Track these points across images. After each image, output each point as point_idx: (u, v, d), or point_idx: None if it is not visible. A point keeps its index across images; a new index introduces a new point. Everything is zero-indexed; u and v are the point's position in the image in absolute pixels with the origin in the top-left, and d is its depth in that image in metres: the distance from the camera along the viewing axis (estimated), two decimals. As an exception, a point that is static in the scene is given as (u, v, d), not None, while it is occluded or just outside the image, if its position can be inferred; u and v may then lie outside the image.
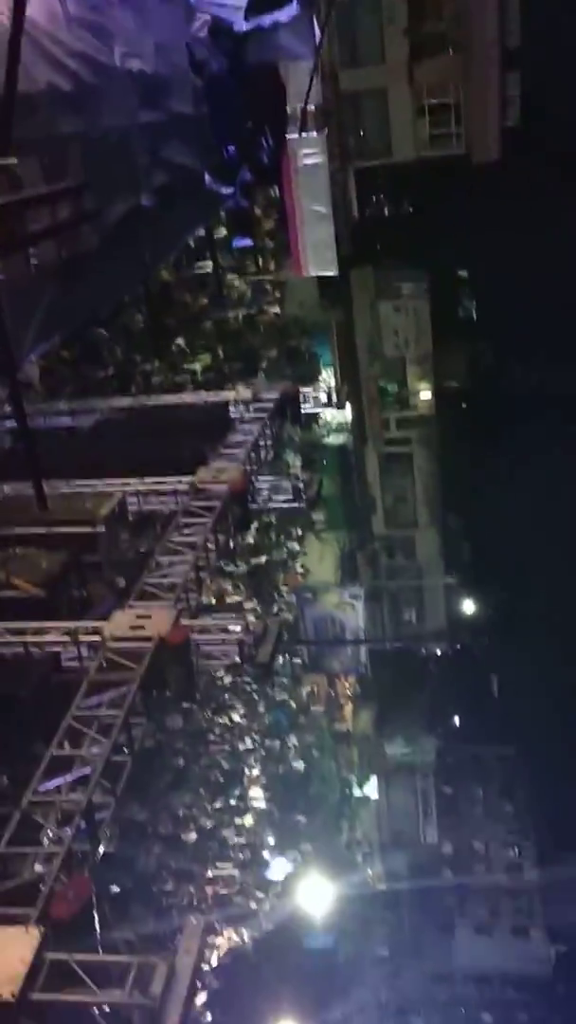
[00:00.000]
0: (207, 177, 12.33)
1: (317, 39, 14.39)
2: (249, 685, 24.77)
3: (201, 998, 19.66)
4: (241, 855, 23.49)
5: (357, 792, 36.03)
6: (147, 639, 10.96)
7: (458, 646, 39.15)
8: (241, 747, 24.60)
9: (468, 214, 30.66)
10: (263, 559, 27.30)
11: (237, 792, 23.90)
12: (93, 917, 8.33)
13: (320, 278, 28.30)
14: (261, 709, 25.99)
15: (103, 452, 16.34)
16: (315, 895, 23.22)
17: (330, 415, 30.96)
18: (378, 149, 29.91)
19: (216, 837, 22.65)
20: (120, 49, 9.11)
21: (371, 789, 37.54)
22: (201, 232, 21.62)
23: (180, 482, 14.60)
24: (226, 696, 24.26)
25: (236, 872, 23.06)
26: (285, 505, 18.66)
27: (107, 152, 8.88)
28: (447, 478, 35.67)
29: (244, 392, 17.65)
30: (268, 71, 13.68)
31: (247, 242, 26.59)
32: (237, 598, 25.05)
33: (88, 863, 8.95)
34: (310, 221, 25.82)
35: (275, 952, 23.61)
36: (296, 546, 29.48)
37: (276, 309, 29.34)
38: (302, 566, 30.36)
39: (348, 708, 35.24)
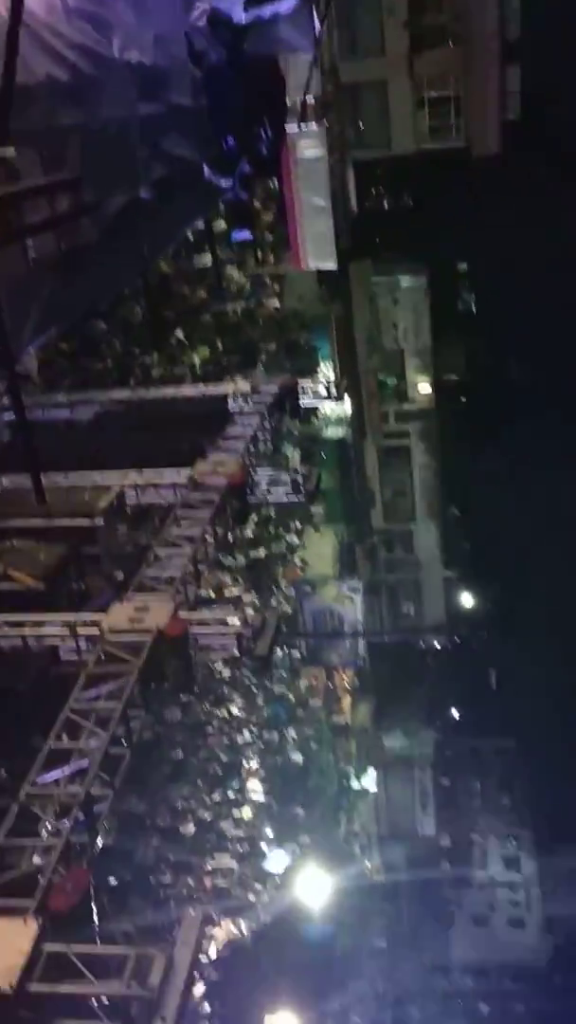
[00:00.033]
0: (206, 169, 12.29)
1: (317, 31, 14.37)
2: (247, 678, 24.81)
3: (199, 989, 19.74)
4: (239, 847, 23.55)
5: (355, 785, 36.09)
6: (145, 632, 10.97)
7: (457, 639, 39.19)
8: (239, 740, 24.65)
9: (468, 207, 30.61)
10: (262, 552, 27.31)
11: (235, 784, 23.95)
12: (91, 909, 8.35)
13: (319, 271, 28.25)
14: (259, 702, 26.03)
15: (101, 445, 16.31)
16: (313, 887, 23.27)
17: (329, 408, 30.94)
18: (378, 142, 29.89)
19: (214, 829, 22.72)
20: (119, 40, 9.08)
21: (369, 782, 37.60)
22: (200, 225, 21.59)
23: (179, 475, 14.60)
24: (224, 689, 24.30)
25: (234, 864, 23.12)
26: (284, 498, 18.64)
27: (106, 144, 8.86)
28: (446, 472, 35.68)
29: (243, 385, 17.65)
30: (267, 63, 13.64)
31: (246, 235, 26.55)
32: (235, 591, 25.06)
33: (86, 855, 8.98)
34: (309, 214, 25.75)
35: (273, 944, 23.68)
36: (295, 539, 29.48)
37: (275, 302, 29.29)
38: (301, 559, 30.35)
39: (346, 701, 35.27)
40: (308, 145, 24.83)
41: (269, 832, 24.98)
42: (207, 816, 22.34)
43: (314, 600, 31.10)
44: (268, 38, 12.99)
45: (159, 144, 10.17)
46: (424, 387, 34.39)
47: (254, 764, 25.19)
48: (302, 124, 23.85)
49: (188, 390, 19.19)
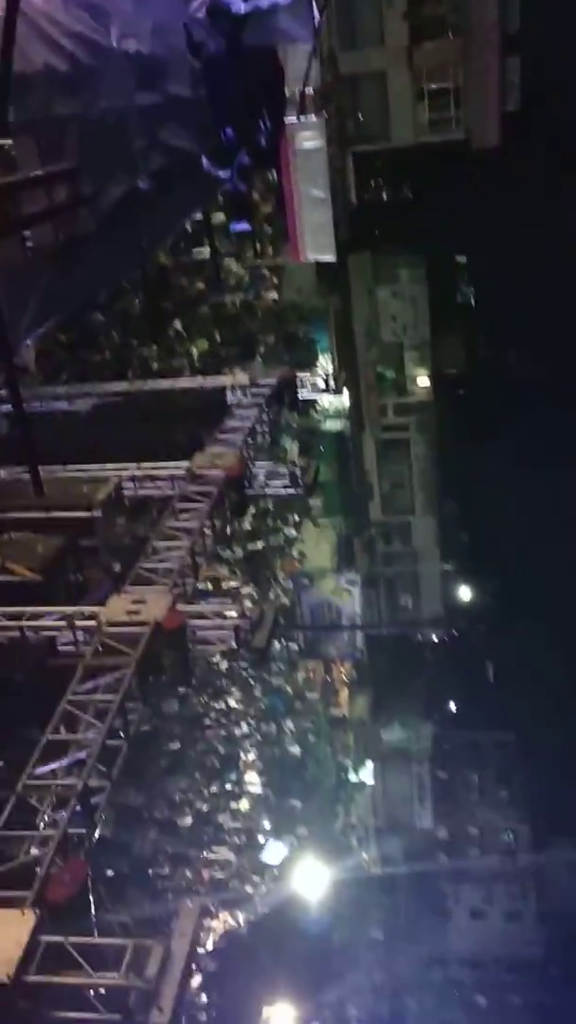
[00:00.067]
0: (204, 160, 12.26)
1: (316, 21, 14.30)
2: (245, 670, 24.84)
3: (197, 981, 19.82)
4: (237, 839, 23.61)
5: (353, 777, 36.18)
6: (143, 624, 10.96)
7: (455, 632, 39.23)
8: (237, 732, 24.69)
9: (467, 199, 30.51)
10: (260, 545, 27.33)
11: (233, 777, 24.01)
12: (89, 900, 8.36)
13: (318, 263, 28.19)
14: (257, 694, 26.07)
15: (100, 437, 16.29)
16: (311, 879, 23.34)
17: (327, 401, 30.91)
18: (377, 133, 29.76)
19: (212, 821, 22.77)
20: (117, 30, 9.04)
21: (367, 774, 37.69)
22: (199, 216, 21.56)
23: (177, 467, 14.58)
24: (222, 681, 24.33)
25: (232, 856, 23.19)
26: (282, 491, 18.62)
27: (104, 134, 8.83)
28: (444, 464, 35.66)
29: (241, 377, 17.61)
30: (266, 53, 13.59)
31: (245, 226, 26.48)
32: (234, 583, 25.09)
33: (84, 847, 8.98)
34: (308, 206, 25.68)
35: (271, 935, 23.76)
36: (293, 532, 29.50)
37: (274, 294, 29.25)
38: (299, 552, 30.38)
39: (344, 694, 35.33)
40: (307, 136, 24.76)
41: (267, 824, 25.05)
42: (205, 808, 22.39)
43: (312, 593, 31.12)
44: (267, 28, 12.93)
45: (157, 135, 10.14)
46: (423, 380, 34.34)
47: (252, 756, 25.25)
48: (301, 115, 23.78)
49: (186, 382, 19.18)
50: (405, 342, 33.84)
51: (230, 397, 17.18)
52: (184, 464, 14.52)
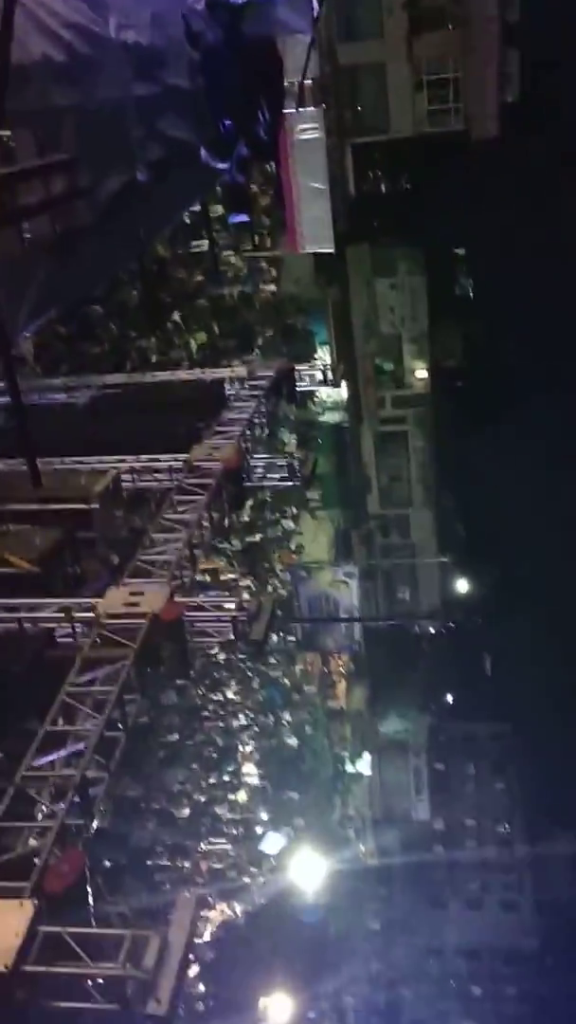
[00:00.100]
0: (203, 151, 12.20)
1: (315, 12, 14.22)
2: (243, 662, 24.87)
3: (194, 970, 19.89)
4: (235, 830, 23.68)
5: (350, 768, 36.27)
6: (141, 616, 10.97)
7: (452, 624, 39.28)
8: (235, 724, 24.73)
9: (466, 191, 30.47)
10: (258, 537, 27.33)
11: (231, 768, 24.06)
12: (87, 890, 8.39)
13: (316, 255, 28.13)
14: (255, 686, 26.11)
15: (98, 429, 16.25)
16: (308, 870, 23.41)
17: (325, 393, 30.89)
18: (376, 124, 29.69)
19: (210, 812, 22.82)
20: (115, 20, 8.99)
21: (364, 766, 37.78)
22: (197, 208, 21.48)
23: (175, 459, 14.57)
24: (220, 673, 24.36)
25: (229, 847, 23.25)
26: (280, 483, 18.62)
27: (101, 125, 8.78)
28: (442, 457, 35.69)
29: (239, 369, 17.59)
30: (265, 44, 13.51)
31: (243, 218, 26.38)
32: (232, 576, 25.10)
33: (82, 837, 9.01)
34: (307, 197, 25.62)
35: (268, 925, 23.85)
36: (291, 524, 29.52)
37: (272, 286, 29.19)
38: (297, 544, 30.40)
39: (341, 685, 35.40)
40: (306, 128, 24.69)
41: (264, 815, 25.11)
42: (203, 799, 22.45)
43: (310, 585, 31.14)
44: (266, 19, 12.87)
45: (155, 126, 10.09)
46: (421, 372, 34.34)
47: (249, 748, 25.30)
48: (300, 106, 23.70)
49: (184, 375, 19.13)
50: (403, 334, 33.82)
51: (228, 389, 17.16)
52: (182, 456, 14.50)
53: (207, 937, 21.61)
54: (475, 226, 32.99)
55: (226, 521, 17.75)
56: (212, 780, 23.20)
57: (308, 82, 22.90)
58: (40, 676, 11.07)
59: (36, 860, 8.31)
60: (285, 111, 21.96)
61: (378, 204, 32.23)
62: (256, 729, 25.82)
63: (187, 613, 11.55)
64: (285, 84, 18.94)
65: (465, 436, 36.49)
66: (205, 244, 26.30)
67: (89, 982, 7.70)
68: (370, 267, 32.84)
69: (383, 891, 43.20)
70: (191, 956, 8.79)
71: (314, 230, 26.21)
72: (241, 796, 24.35)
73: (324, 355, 30.46)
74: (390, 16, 28.30)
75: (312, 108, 24.40)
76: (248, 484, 16.64)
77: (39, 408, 16.88)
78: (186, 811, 21.63)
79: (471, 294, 38.64)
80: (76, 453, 14.50)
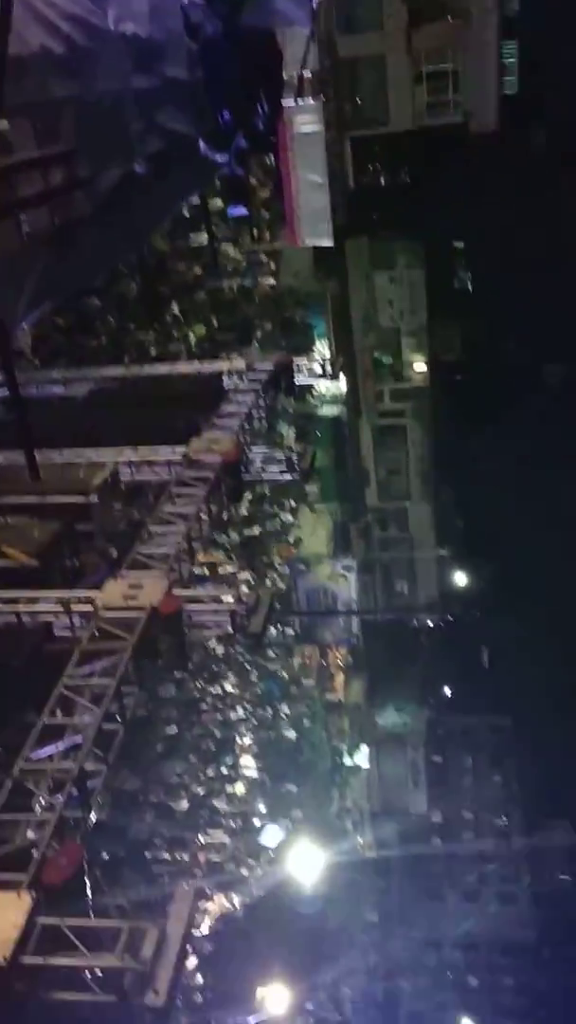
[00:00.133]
0: (201, 144, 12.18)
1: (314, 4, 14.20)
2: (241, 655, 24.91)
3: (192, 962, 19.97)
4: (232, 823, 23.73)
5: (348, 761, 36.34)
6: (139, 609, 10.99)
7: (450, 618, 39.32)
8: (233, 716, 24.78)
9: (465, 184, 30.39)
10: (256, 530, 27.35)
11: (229, 761, 24.10)
12: (84, 883, 8.43)
13: (315, 248, 28.10)
14: (253, 679, 26.15)
15: (96, 422, 16.26)
16: (306, 862, 23.46)
17: (324, 386, 30.88)
18: (375, 117, 29.59)
19: (208, 805, 22.87)
20: (114, 11, 8.97)
21: (362, 758, 37.85)
22: (196, 201, 21.44)
23: (173, 452, 14.58)
24: (218, 666, 24.39)
25: (227, 839, 23.31)
26: (278, 476, 18.64)
27: (100, 117, 8.77)
28: (441, 450, 35.67)
29: (238, 362, 17.60)
30: (264, 36, 13.48)
31: (242, 211, 26.38)
32: (230, 569, 25.11)
33: (80, 830, 9.04)
34: (306, 190, 25.57)
35: (266, 918, 23.91)
36: (289, 517, 29.51)
37: (271, 279, 29.15)
38: (295, 537, 30.41)
39: (340, 678, 35.44)
40: (305, 120, 24.63)
41: (262, 808, 25.16)
42: (201, 792, 22.49)
43: (308, 578, 31.18)
44: (265, 11, 12.85)
45: (154, 118, 10.07)
46: (420, 365, 34.29)
47: (248, 741, 25.34)
48: (299, 99, 23.65)
49: (183, 367, 19.13)
50: (402, 327, 33.76)
51: (227, 382, 17.17)
52: (181, 449, 14.53)
53: (205, 929, 21.68)
54: (474, 219, 32.90)
55: (224, 514, 17.79)
56: (210, 773, 23.24)
57: (307, 74, 22.86)
58: (38, 668, 11.11)
59: (34, 852, 8.35)
60: (284, 104, 21.94)
61: (377, 197, 32.13)
62: (254, 722, 25.86)
63: (185, 606, 11.59)
64: (284, 77, 18.90)
65: (464, 430, 36.46)
66: (204, 237, 26.25)
67: (87, 974, 7.74)
68: (369, 260, 32.77)
69: (381, 883, 43.30)
70: (189, 948, 8.82)
71: (313, 223, 26.17)
72: (239, 789, 24.40)
73: (323, 348, 30.46)
74: (389, 8, 28.20)
75: (311, 101, 24.34)
76: (247, 477, 16.67)
77: (37, 401, 16.91)
78: (184, 803, 21.68)
79: (470, 288, 38.57)
80: (74, 446, 14.53)
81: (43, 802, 8.97)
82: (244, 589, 17.71)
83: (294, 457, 18.38)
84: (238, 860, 23.50)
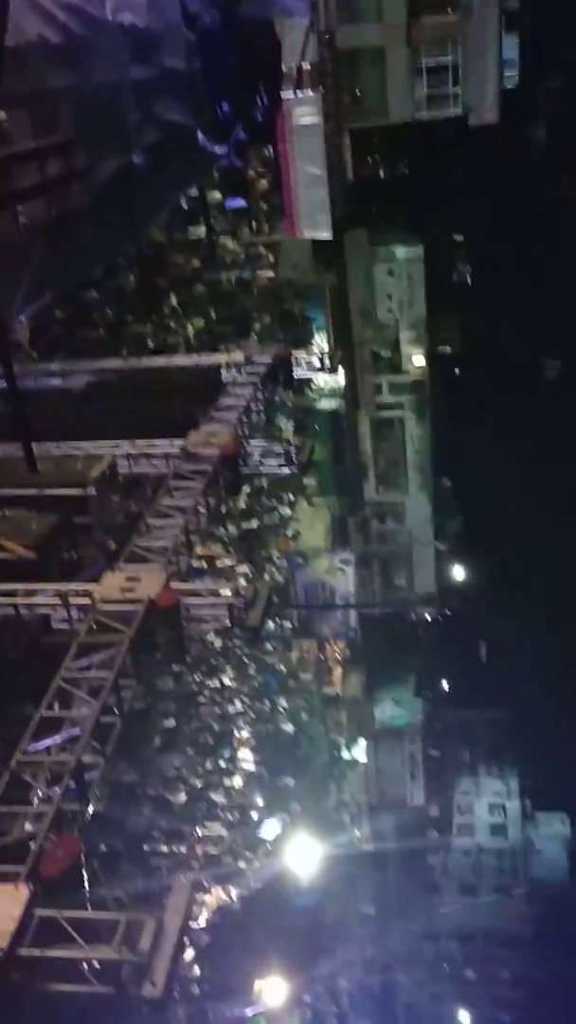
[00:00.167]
0: (200, 135, 12.15)
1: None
2: (239, 648, 24.90)
3: (189, 954, 20.00)
4: (230, 815, 23.75)
5: (346, 755, 36.39)
6: (137, 602, 10.98)
7: (447, 611, 39.34)
8: (231, 710, 24.78)
9: (464, 177, 30.35)
10: (254, 523, 27.32)
11: (227, 754, 24.11)
12: (82, 875, 8.43)
13: (314, 241, 28.02)
14: (251, 672, 26.15)
15: (94, 414, 16.24)
16: (303, 855, 23.51)
17: (322, 379, 30.84)
18: (375, 109, 29.43)
19: (205, 798, 22.89)
20: (111, 2, 8.94)
21: (359, 752, 37.92)
22: (195, 193, 21.40)
23: (171, 445, 14.57)
24: (216, 659, 24.39)
25: (225, 832, 23.33)
26: (276, 470, 18.62)
27: (98, 107, 8.74)
28: (439, 444, 35.62)
29: (236, 355, 17.59)
30: (263, 27, 13.45)
31: (241, 203, 26.32)
32: (228, 562, 25.10)
33: (77, 822, 9.04)
34: (304, 182, 25.51)
35: (263, 910, 23.96)
36: (287, 511, 29.48)
37: (269, 272, 29.09)
38: (293, 531, 30.39)
39: (337, 672, 35.47)
40: (304, 112, 24.57)
41: (259, 801, 25.18)
42: (198, 784, 22.50)
43: (306, 571, 31.19)
44: (264, 1, 12.82)
45: (152, 108, 10.04)
46: (418, 359, 34.19)
47: (245, 734, 25.35)
48: (298, 91, 23.58)
49: (181, 360, 19.12)
50: (401, 320, 33.68)
51: (225, 375, 17.15)
52: (179, 442, 14.51)
53: (202, 921, 21.71)
54: (474, 212, 32.86)
55: (222, 507, 17.77)
56: (208, 766, 23.25)
57: (306, 66, 22.80)
58: (36, 661, 11.10)
59: (32, 845, 8.35)
60: (283, 95, 21.91)
61: (376, 190, 32.06)
62: (252, 715, 25.87)
63: (183, 599, 11.58)
64: (283, 68, 18.87)
65: (462, 423, 36.44)
66: (203, 230, 26.20)
67: (85, 965, 7.75)
68: (368, 253, 32.67)
69: (378, 876, 43.40)
70: (186, 940, 8.84)
71: (312, 216, 26.11)
72: (237, 782, 24.42)
73: (321, 341, 30.41)
74: (389, 0, 28.06)
75: (310, 92, 24.26)
76: (245, 470, 16.65)
77: (35, 393, 16.85)
78: (182, 796, 21.69)
79: (469, 281, 38.52)
80: (72, 438, 14.50)
81: (41, 794, 8.97)
82: (242, 582, 17.72)
83: (292, 450, 18.36)
84: (235, 853, 23.53)
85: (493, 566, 40.49)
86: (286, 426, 25.75)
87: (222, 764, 23.88)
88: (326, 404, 31.56)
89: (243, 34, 11.82)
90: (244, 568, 25.63)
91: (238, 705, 25.20)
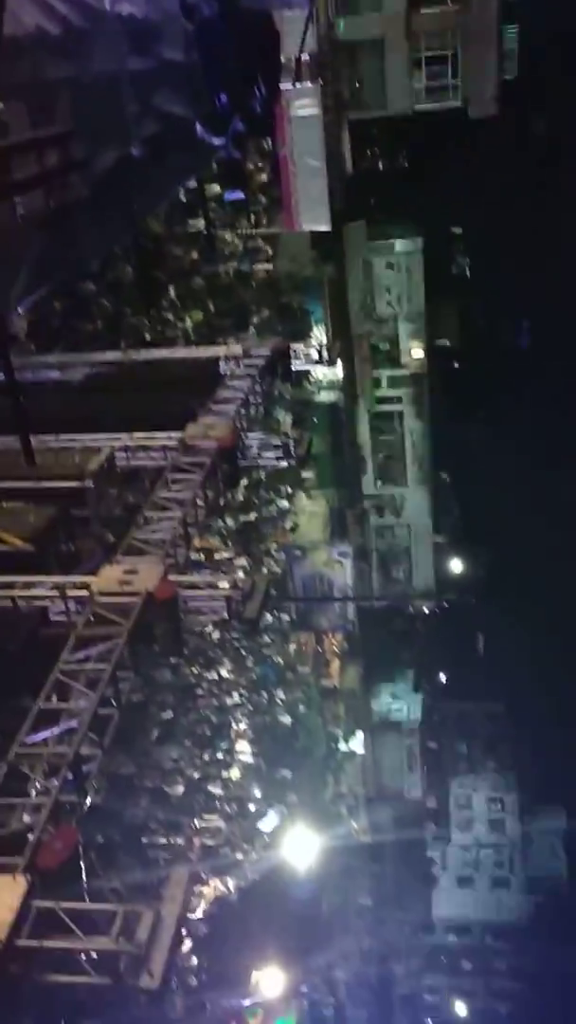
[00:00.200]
0: (198, 127, 12.11)
1: (312, -15, 14.09)
2: (237, 641, 24.92)
3: (186, 945, 20.06)
4: (228, 807, 23.80)
5: (343, 747, 36.46)
6: (135, 594, 11.00)
7: (446, 604, 39.38)
8: (228, 702, 24.81)
9: (464, 169, 30.28)
10: (252, 516, 27.32)
11: (224, 746, 24.15)
12: (80, 866, 8.45)
13: (313, 233, 27.96)
14: (249, 664, 26.18)
15: (92, 407, 16.23)
16: (300, 846, 23.55)
17: (321, 372, 30.80)
18: (374, 101, 29.35)
19: (203, 789, 22.93)
20: (110, -8, 8.90)
21: (357, 744, 37.98)
22: (193, 186, 21.35)
23: (169, 438, 14.56)
24: (214, 651, 24.41)
25: (222, 824, 23.38)
26: (275, 462, 18.62)
27: (96, 98, 8.70)
28: (437, 436, 35.60)
29: (234, 348, 17.57)
30: (262, 18, 13.40)
31: (239, 195, 26.25)
32: (226, 555, 25.11)
33: (75, 814, 9.06)
34: (303, 174, 25.43)
35: (260, 901, 24.02)
36: (285, 503, 29.48)
37: (268, 264, 29.03)
38: (291, 523, 30.40)
39: (335, 664, 35.51)
40: (303, 104, 24.49)
41: (257, 793, 25.23)
42: (196, 776, 22.55)
43: (304, 564, 31.17)
44: (263, -8, 12.75)
45: (150, 100, 10.01)
46: (417, 351, 34.15)
47: (243, 726, 25.39)
48: (297, 82, 23.50)
49: (179, 353, 19.11)
50: (400, 313, 33.63)
51: (223, 368, 17.13)
52: (176, 434, 14.51)
53: (200, 913, 21.77)
54: (473, 205, 32.80)
55: (220, 500, 17.77)
56: (206, 757, 23.29)
57: (305, 57, 22.72)
58: (34, 653, 11.11)
59: (30, 836, 8.37)
60: (282, 87, 21.83)
61: (375, 182, 31.99)
62: (250, 707, 25.91)
63: (181, 591, 11.59)
64: (282, 59, 18.80)
65: (461, 416, 36.44)
66: (201, 222, 26.13)
67: (82, 956, 7.78)
68: (367, 245, 32.60)
69: (375, 868, 43.51)
70: (184, 931, 8.87)
71: (311, 208, 26.04)
72: (234, 773, 24.46)
73: (319, 334, 30.36)
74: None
75: (309, 84, 24.18)
76: (243, 463, 16.65)
77: (33, 385, 16.83)
78: (179, 788, 21.73)
79: (468, 273, 38.45)
80: (70, 431, 14.49)
81: (39, 786, 9.00)
82: (240, 575, 17.73)
83: (290, 443, 18.39)
84: (233, 844, 23.58)
85: (491, 559, 40.52)
86: (284, 419, 25.73)
87: (220, 756, 23.92)
88: (324, 397, 31.53)
89: (242, 25, 11.76)
90: (242, 561, 25.65)
91: (236, 697, 25.23)
